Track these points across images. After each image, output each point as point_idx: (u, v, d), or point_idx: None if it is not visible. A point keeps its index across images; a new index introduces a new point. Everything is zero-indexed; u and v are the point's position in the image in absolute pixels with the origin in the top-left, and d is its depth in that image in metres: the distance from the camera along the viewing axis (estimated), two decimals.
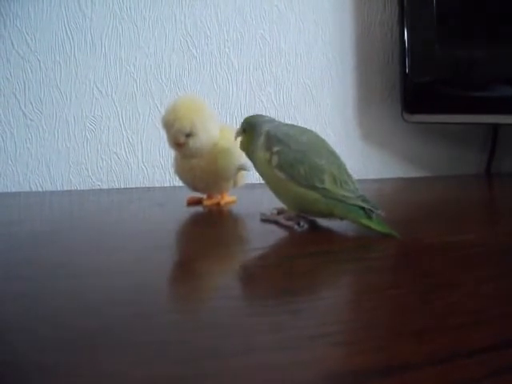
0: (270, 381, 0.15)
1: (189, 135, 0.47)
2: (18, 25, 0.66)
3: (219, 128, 0.51)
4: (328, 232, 0.39)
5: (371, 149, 0.86)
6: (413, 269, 0.28)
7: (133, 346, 0.18)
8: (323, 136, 0.42)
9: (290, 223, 0.40)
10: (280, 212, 0.43)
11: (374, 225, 0.37)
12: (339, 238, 0.38)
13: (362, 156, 0.85)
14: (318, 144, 0.41)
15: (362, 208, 0.37)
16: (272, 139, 0.41)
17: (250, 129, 0.44)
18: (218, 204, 0.52)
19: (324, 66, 0.82)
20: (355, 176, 0.40)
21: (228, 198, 0.53)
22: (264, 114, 0.76)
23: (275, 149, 0.40)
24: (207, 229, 0.42)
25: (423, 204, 0.57)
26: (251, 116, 0.46)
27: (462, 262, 0.30)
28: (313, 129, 0.43)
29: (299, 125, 0.43)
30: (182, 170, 0.51)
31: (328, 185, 0.38)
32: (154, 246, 0.34)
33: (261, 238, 0.38)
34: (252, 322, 0.20)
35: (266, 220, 0.43)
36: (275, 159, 0.40)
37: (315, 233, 0.39)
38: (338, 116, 0.83)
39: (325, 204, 0.38)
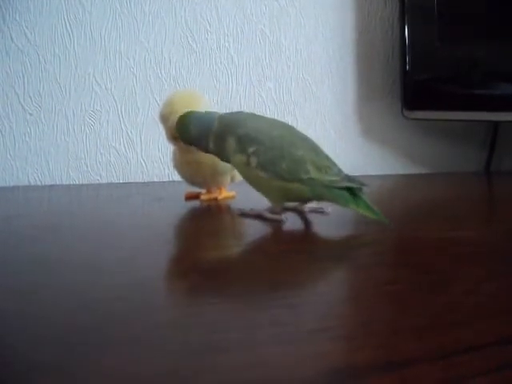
0: (269, 376, 0.15)
1: None
2: (18, 18, 0.66)
3: None
4: (325, 228, 0.39)
5: (371, 145, 0.86)
6: (412, 265, 0.28)
7: (133, 343, 0.18)
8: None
9: (276, 217, 0.41)
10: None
11: (361, 209, 0.37)
12: (336, 235, 0.38)
13: (362, 152, 0.85)
14: (290, 135, 0.40)
15: (350, 190, 0.37)
16: (244, 140, 0.40)
17: (186, 128, 0.43)
18: (216, 199, 0.52)
19: (324, 61, 0.82)
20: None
21: (226, 192, 0.53)
22: (264, 109, 0.77)
23: (251, 149, 0.39)
24: (205, 224, 0.42)
25: (423, 200, 0.57)
26: (182, 116, 0.44)
27: (461, 259, 0.30)
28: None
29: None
30: (180, 165, 0.51)
31: (313, 174, 0.38)
32: (153, 242, 0.34)
33: (258, 233, 0.38)
34: (250, 317, 0.20)
35: (244, 214, 0.43)
36: (254, 160, 0.39)
37: (313, 228, 0.39)
38: (337, 112, 0.83)
39: (311, 192, 0.38)
